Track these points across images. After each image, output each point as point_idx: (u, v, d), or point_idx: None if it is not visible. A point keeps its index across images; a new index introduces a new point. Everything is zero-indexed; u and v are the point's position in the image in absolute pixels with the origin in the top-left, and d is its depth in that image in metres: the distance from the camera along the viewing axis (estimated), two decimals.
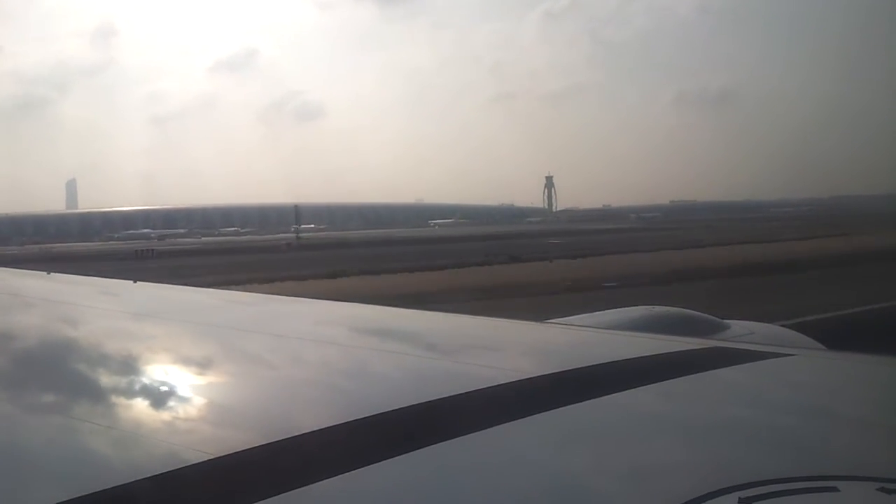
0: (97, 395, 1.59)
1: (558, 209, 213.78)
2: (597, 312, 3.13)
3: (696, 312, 3.01)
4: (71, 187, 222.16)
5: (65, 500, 0.96)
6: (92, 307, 2.95)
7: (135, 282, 3.63)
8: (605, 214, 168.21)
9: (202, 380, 1.70)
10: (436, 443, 1.12)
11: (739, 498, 0.93)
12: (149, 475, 1.03)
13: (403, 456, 1.07)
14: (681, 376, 1.56)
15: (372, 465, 1.03)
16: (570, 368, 1.62)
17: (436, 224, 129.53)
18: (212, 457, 1.08)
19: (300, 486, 0.98)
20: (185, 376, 1.73)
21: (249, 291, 4.60)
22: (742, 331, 2.83)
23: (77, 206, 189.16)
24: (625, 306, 3.17)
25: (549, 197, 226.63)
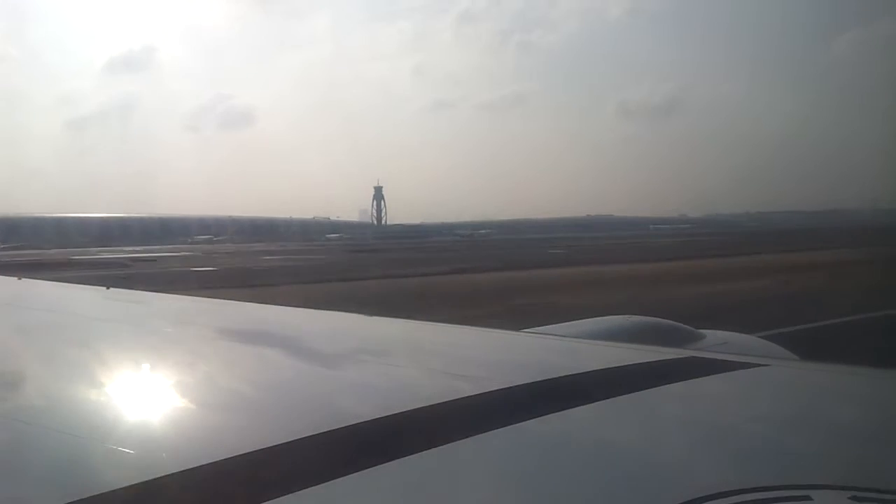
0: (71, 403, 1.62)
1: (389, 223, 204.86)
2: (572, 322, 3.23)
3: (671, 322, 3.13)
4: None
5: None
6: (65, 313, 3.10)
7: (108, 288, 3.80)
8: (420, 230, 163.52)
9: (180, 388, 1.73)
10: (412, 453, 1.14)
11: None
12: (125, 485, 1.04)
13: (379, 467, 1.08)
14: (656, 386, 1.61)
15: (348, 476, 1.06)
16: (546, 378, 1.66)
17: (191, 239, 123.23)
18: (189, 467, 1.09)
19: (277, 497, 0.99)
20: (162, 385, 1.77)
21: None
22: (717, 340, 2.97)
23: None
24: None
25: (378, 209, 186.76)
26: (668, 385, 1.62)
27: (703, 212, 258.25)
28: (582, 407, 1.42)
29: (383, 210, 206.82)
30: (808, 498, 0.99)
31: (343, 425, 1.26)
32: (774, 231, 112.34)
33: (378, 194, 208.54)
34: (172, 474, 1.06)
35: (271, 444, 1.15)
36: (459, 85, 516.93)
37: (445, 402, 1.42)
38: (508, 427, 1.27)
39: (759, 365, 1.89)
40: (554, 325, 3.16)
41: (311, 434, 1.21)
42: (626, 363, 1.94)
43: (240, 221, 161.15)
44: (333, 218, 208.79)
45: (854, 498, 0.99)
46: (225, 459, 1.10)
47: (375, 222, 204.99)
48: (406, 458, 1.11)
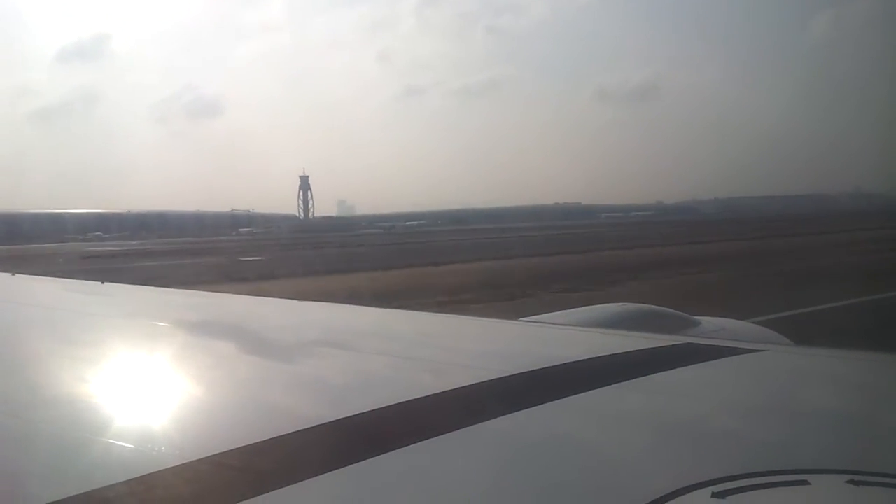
0: (67, 398, 1.61)
1: (316, 215, 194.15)
2: (569, 310, 3.27)
3: (667, 309, 3.19)
4: None
5: None
6: (60, 308, 3.19)
7: (102, 283, 3.92)
8: (341, 223, 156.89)
9: (176, 382, 1.74)
10: (410, 443, 1.16)
11: (712, 492, 0.97)
12: (123, 479, 1.05)
13: (377, 458, 1.10)
14: (653, 373, 1.64)
15: (346, 468, 1.07)
16: (543, 367, 1.68)
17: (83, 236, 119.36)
18: (190, 460, 1.10)
19: (276, 489, 1.01)
20: (157, 379, 1.78)
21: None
22: (712, 327, 3.04)
23: None
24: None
25: (305, 201, 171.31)
26: (665, 372, 1.65)
27: (681, 198, 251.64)
28: (580, 394, 1.44)
29: (310, 201, 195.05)
30: (805, 482, 1.01)
31: (341, 417, 1.28)
32: (729, 219, 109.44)
33: (304, 184, 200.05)
34: (170, 468, 1.08)
35: (267, 437, 1.17)
36: (427, 71, 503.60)
37: (443, 392, 1.45)
38: (507, 416, 1.29)
39: (754, 350, 1.93)
40: (551, 314, 3.19)
41: (308, 426, 1.22)
42: (623, 350, 1.98)
43: (145, 217, 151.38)
44: (252, 211, 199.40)
45: (851, 481, 1.01)
46: (223, 452, 1.11)
47: (302, 215, 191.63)
48: (404, 448, 1.13)
